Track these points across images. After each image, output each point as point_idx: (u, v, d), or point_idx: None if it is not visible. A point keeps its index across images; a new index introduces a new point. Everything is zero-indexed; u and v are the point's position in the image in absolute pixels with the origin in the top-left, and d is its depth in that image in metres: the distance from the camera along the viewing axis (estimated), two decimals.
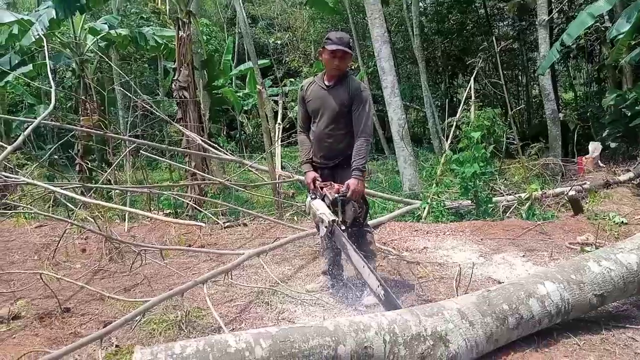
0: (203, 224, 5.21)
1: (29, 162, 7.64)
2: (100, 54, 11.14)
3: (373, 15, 9.35)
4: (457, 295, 3.45)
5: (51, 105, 5.86)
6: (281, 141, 12.76)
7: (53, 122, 8.35)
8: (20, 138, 5.08)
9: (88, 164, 9.68)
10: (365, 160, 3.57)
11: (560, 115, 12.90)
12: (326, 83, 3.71)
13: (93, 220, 5.25)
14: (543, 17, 11.83)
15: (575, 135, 12.37)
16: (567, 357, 2.67)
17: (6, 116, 10.47)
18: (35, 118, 9.48)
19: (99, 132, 7.95)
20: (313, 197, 3.63)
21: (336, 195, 3.44)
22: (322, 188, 3.58)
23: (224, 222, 6.07)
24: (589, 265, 3.04)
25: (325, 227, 3.30)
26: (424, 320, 2.58)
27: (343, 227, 3.42)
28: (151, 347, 2.15)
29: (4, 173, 5.69)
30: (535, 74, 14.08)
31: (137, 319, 3.17)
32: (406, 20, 16.76)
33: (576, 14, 12.21)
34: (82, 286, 3.93)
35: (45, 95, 16.99)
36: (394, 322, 2.54)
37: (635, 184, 8.26)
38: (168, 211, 7.70)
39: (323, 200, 3.53)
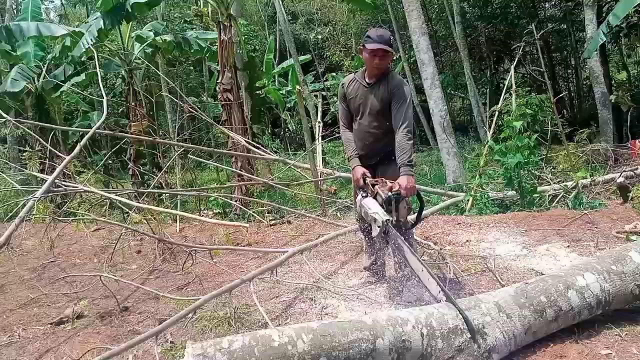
0: (246, 225, 5.40)
1: (85, 170, 8.09)
2: (146, 62, 11.55)
3: (410, 7, 9.27)
4: (499, 288, 3.48)
5: (103, 115, 6.15)
6: (325, 136, 12.94)
7: (106, 131, 8.75)
8: (77, 148, 5.40)
9: (140, 168, 10.12)
10: (410, 154, 3.44)
11: (612, 97, 12.40)
12: (367, 81, 3.70)
13: (147, 223, 5.54)
14: None
15: (629, 118, 11.85)
16: (608, 349, 2.67)
17: (63, 127, 11.01)
18: (89, 125, 9.91)
19: (147, 138, 8.30)
20: (364, 195, 3.48)
21: (389, 193, 3.24)
22: (373, 185, 3.43)
23: (269, 220, 6.29)
24: (630, 256, 3.02)
25: (379, 226, 3.12)
26: None
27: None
28: (201, 342, 2.31)
29: (63, 182, 6.06)
30: (582, 58, 13.60)
31: (189, 316, 3.35)
32: (446, 8, 16.50)
33: None
34: (138, 286, 4.19)
35: (98, 102, 17.75)
36: (431, 315, 2.62)
37: None
38: (217, 211, 7.97)
39: (375, 198, 3.37)
